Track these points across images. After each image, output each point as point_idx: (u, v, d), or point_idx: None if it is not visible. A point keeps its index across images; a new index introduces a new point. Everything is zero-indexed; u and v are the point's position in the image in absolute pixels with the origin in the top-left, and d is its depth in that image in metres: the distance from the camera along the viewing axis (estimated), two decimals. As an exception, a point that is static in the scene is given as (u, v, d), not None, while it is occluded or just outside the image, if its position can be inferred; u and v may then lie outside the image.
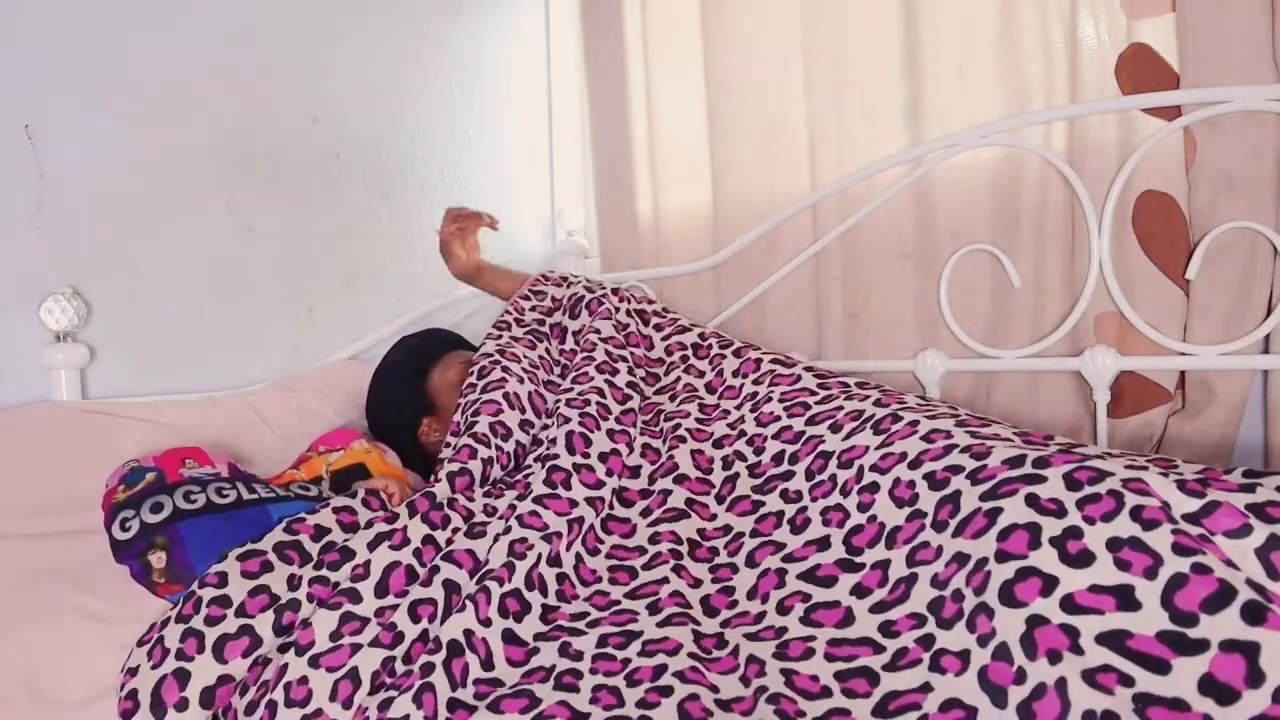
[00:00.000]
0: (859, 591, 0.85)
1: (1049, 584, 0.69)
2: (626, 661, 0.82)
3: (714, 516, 1.04)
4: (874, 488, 0.92)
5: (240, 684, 0.85)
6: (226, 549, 0.95)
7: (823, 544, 0.92)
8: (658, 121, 1.79)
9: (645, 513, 1.06)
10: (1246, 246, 1.17)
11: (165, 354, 1.36)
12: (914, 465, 0.90)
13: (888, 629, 0.79)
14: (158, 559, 0.93)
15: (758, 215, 1.62)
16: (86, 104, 1.27)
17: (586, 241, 2.01)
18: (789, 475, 1.03)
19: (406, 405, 1.35)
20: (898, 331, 1.50)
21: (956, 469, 0.85)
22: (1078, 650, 0.66)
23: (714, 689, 0.77)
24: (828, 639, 0.81)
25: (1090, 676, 0.64)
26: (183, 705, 0.83)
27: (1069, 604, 0.68)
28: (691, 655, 0.82)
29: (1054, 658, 0.66)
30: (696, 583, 0.95)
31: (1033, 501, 0.75)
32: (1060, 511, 0.73)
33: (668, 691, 0.76)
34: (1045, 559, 0.71)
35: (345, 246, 1.63)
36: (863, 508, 0.92)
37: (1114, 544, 0.69)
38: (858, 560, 0.88)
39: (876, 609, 0.82)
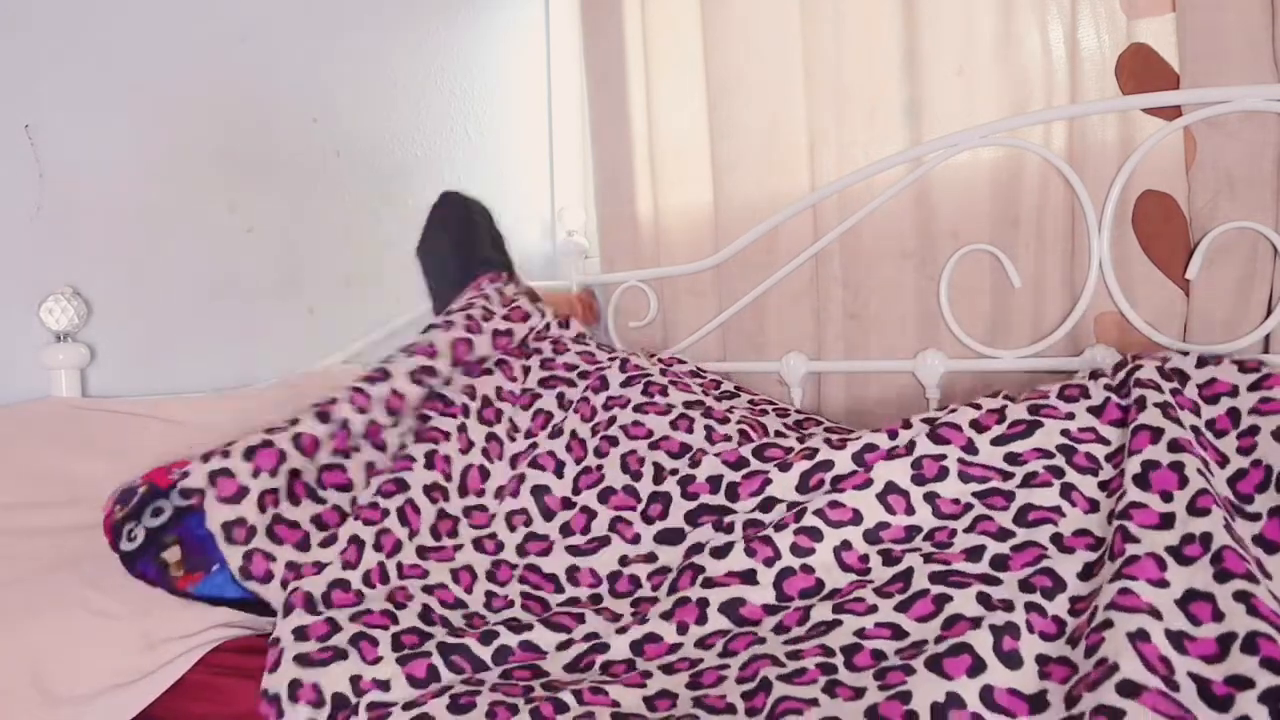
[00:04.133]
0: (778, 629, 0.83)
1: (977, 668, 0.70)
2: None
3: (638, 538, 1.00)
4: (816, 535, 0.89)
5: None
6: None
7: (748, 578, 0.87)
8: (658, 121, 1.79)
9: (565, 530, 1.04)
10: (1246, 246, 1.17)
11: (165, 354, 1.36)
12: (870, 539, 0.88)
13: (796, 654, 0.77)
14: (172, 554, 0.94)
15: (758, 215, 1.62)
16: (86, 104, 1.27)
17: (586, 241, 2.01)
18: (726, 511, 0.99)
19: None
20: (898, 331, 1.50)
21: (911, 549, 0.85)
22: None
23: (615, 704, 0.75)
24: (740, 664, 0.79)
25: None
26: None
27: (987, 696, 0.68)
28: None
29: None
30: (615, 617, 0.91)
31: (984, 600, 0.76)
32: (1009, 607, 0.75)
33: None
34: (981, 643, 0.72)
35: (345, 246, 1.63)
36: (798, 551, 0.88)
37: (1043, 659, 0.72)
38: (782, 605, 0.85)
39: (790, 641, 0.80)
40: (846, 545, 0.87)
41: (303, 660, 0.82)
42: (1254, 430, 0.84)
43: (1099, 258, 1.25)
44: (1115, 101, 1.24)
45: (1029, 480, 0.88)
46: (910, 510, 0.89)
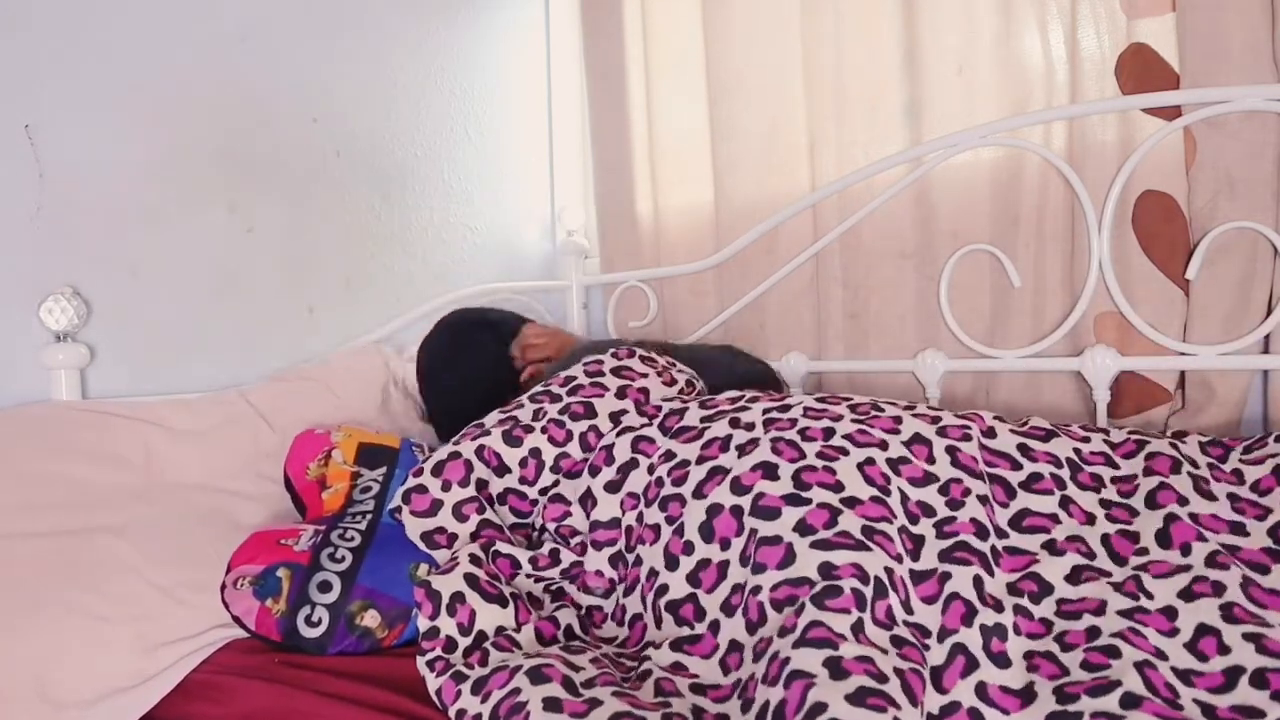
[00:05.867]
0: (803, 530, 0.82)
1: (970, 666, 0.74)
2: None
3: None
4: (842, 451, 0.91)
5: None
6: (406, 565, 0.97)
7: (770, 472, 0.89)
8: (658, 121, 1.79)
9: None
10: (1246, 246, 1.17)
11: (165, 354, 1.36)
12: (892, 468, 0.89)
13: (831, 570, 0.78)
14: (372, 617, 0.92)
15: (758, 215, 1.62)
16: (86, 104, 1.27)
17: (586, 241, 2.01)
18: (744, 409, 1.02)
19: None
20: (898, 331, 1.50)
21: (929, 511, 0.86)
22: None
23: (695, 675, 0.80)
24: (771, 586, 0.80)
25: None
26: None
27: (982, 692, 0.72)
28: None
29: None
30: (655, 531, 0.94)
31: (978, 585, 0.79)
32: (999, 607, 0.78)
33: None
34: (973, 643, 0.75)
35: (345, 246, 1.63)
36: (824, 456, 0.90)
37: (1030, 654, 0.76)
38: (803, 498, 0.86)
39: (819, 545, 0.81)
40: (870, 461, 0.89)
41: None
42: None
43: (1099, 257, 1.25)
44: (1115, 101, 1.24)
45: (1032, 483, 0.90)
46: (931, 460, 0.91)
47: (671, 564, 0.88)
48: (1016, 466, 0.92)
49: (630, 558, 0.95)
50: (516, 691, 0.73)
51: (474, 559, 0.95)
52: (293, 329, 1.54)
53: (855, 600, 0.75)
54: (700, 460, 0.95)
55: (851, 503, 0.84)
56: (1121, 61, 1.25)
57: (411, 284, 1.75)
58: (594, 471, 1.02)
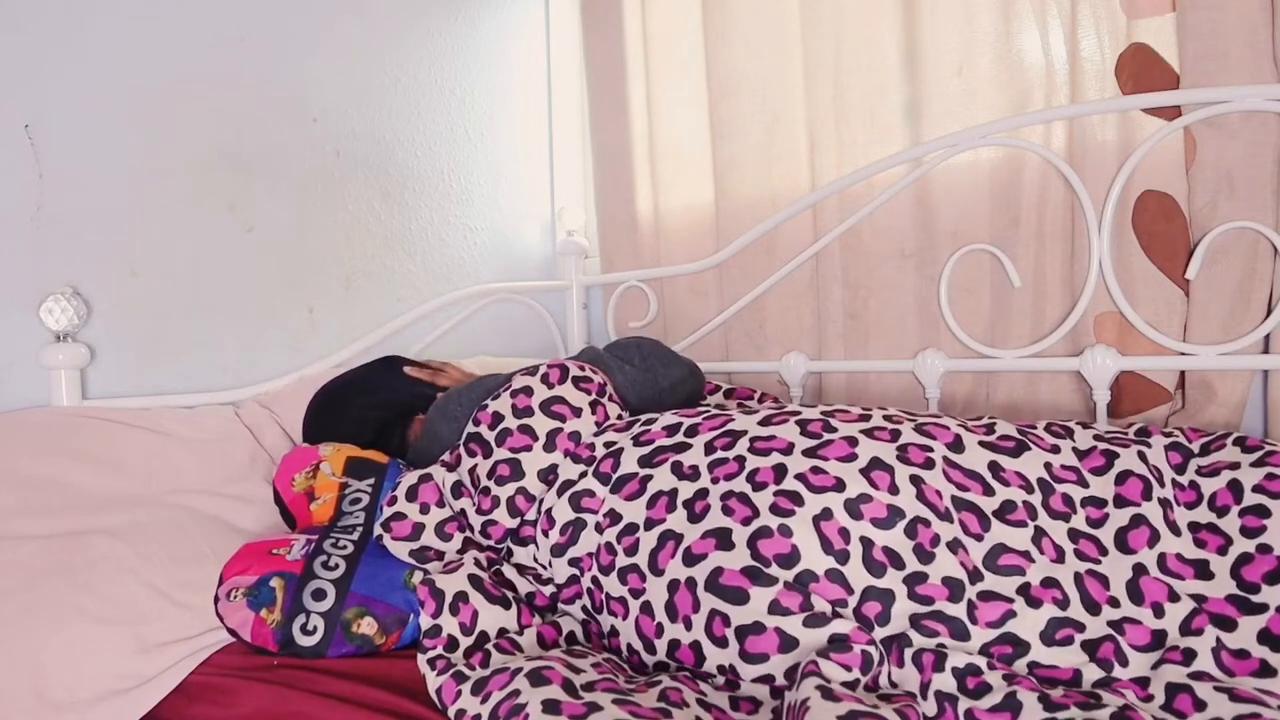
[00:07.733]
0: (779, 610, 0.79)
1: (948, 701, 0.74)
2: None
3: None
4: (796, 500, 0.85)
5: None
6: (400, 572, 0.98)
7: (724, 541, 0.84)
8: (658, 121, 1.79)
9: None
10: (1246, 246, 1.17)
11: (165, 354, 1.36)
12: (851, 512, 0.84)
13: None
14: (369, 624, 0.93)
15: (758, 215, 1.62)
16: (86, 104, 1.27)
17: (586, 241, 2.01)
18: (684, 446, 0.96)
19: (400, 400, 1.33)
20: (898, 331, 1.50)
21: (897, 562, 0.82)
22: None
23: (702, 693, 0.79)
24: (783, 671, 0.78)
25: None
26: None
27: (970, 715, 0.73)
28: None
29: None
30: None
31: (940, 650, 0.78)
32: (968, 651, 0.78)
33: None
34: (947, 685, 0.74)
35: (345, 246, 1.63)
36: (778, 511, 0.85)
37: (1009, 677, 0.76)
38: (767, 574, 0.82)
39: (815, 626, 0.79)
40: (827, 515, 0.83)
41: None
42: (1262, 511, 0.81)
43: (1099, 258, 1.25)
44: (1115, 101, 1.24)
45: (1006, 513, 0.86)
46: (894, 489, 0.86)
47: (649, 647, 0.86)
48: (989, 491, 0.87)
49: (604, 622, 0.93)
50: (516, 693, 0.73)
51: (478, 562, 0.95)
52: (293, 329, 1.54)
53: (863, 661, 0.74)
54: (649, 525, 0.91)
55: (807, 578, 0.81)
56: (1121, 61, 1.25)
57: (411, 284, 1.75)
58: (545, 535, 1.00)
